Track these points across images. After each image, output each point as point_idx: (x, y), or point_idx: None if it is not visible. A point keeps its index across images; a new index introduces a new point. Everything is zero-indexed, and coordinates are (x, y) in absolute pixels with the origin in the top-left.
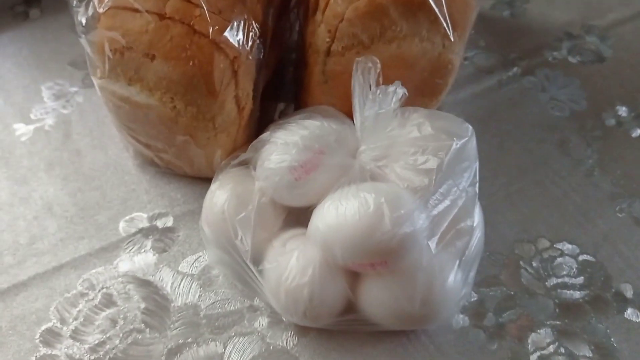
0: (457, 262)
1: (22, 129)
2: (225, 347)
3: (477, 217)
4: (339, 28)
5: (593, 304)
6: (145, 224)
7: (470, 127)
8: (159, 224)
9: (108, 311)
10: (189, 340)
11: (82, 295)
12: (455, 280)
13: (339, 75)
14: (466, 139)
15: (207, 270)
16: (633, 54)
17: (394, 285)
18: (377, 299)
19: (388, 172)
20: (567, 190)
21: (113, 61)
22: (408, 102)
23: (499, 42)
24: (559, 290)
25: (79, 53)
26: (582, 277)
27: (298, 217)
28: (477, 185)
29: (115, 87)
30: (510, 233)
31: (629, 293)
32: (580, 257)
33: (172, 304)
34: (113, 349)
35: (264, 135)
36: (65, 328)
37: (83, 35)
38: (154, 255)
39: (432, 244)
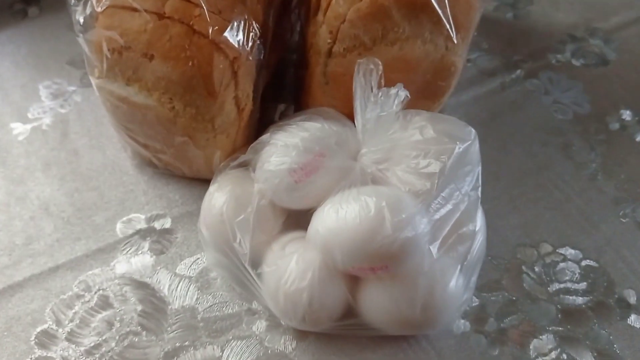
0: (459, 267)
1: (19, 128)
2: (222, 351)
3: (479, 222)
4: (341, 29)
5: (596, 309)
6: (142, 225)
7: (473, 130)
8: (157, 225)
9: (104, 313)
10: (186, 343)
11: (78, 296)
12: (456, 285)
13: (340, 77)
14: (469, 142)
15: (205, 273)
16: (637, 57)
17: (394, 289)
18: (377, 303)
19: (389, 176)
20: (570, 194)
21: (111, 61)
22: (410, 105)
23: (502, 44)
24: (561, 296)
25: (78, 52)
26: (584, 283)
27: (298, 220)
28: (480, 189)
29: (113, 87)
30: (513, 237)
31: (632, 299)
32: (583, 263)
33: (169, 307)
34: (109, 351)
35: (264, 137)
36: (60, 330)
37: (81, 34)
38: (151, 257)
39: (434, 249)
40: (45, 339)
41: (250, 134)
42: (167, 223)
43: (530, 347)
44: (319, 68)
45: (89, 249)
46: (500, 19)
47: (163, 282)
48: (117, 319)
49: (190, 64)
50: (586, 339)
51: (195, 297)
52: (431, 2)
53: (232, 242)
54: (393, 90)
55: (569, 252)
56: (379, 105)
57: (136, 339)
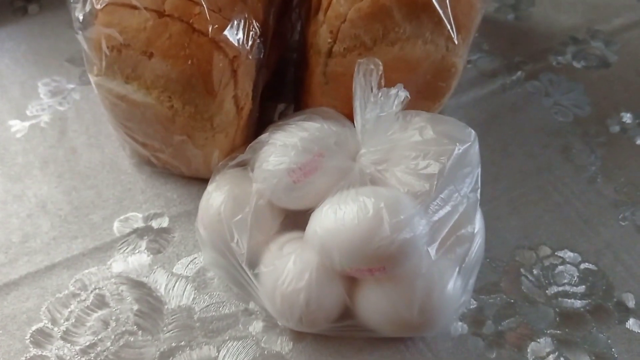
0: (457, 269)
1: (17, 126)
2: (219, 351)
3: (478, 224)
4: (341, 29)
5: (594, 313)
6: (140, 224)
7: (473, 131)
8: (154, 224)
9: (100, 312)
10: (182, 343)
11: (74, 295)
12: (454, 288)
13: (340, 77)
14: (469, 144)
15: (202, 273)
16: (638, 60)
17: (392, 291)
18: (374, 305)
19: (388, 176)
20: (569, 197)
21: (110, 58)
22: (410, 105)
23: (503, 45)
24: (559, 299)
25: (77, 49)
26: (583, 286)
27: (296, 220)
28: (479, 191)
29: (112, 85)
30: (511, 239)
31: (630, 303)
32: (582, 266)
33: (166, 306)
34: (104, 351)
35: (263, 137)
36: (56, 329)
37: (80, 32)
38: (148, 256)
39: (432, 251)
40: (41, 338)
41: (249, 134)
42: (164, 222)
43: (528, 351)
44: (319, 68)
45: (86, 247)
46: (502, 20)
47: (160, 281)
48: (113, 318)
49: (189, 62)
50: (584, 343)
51: (192, 297)
52: (432, 2)
53: (230, 242)
54: (393, 91)
55: (568, 255)
56: (378, 106)
57: (132, 339)
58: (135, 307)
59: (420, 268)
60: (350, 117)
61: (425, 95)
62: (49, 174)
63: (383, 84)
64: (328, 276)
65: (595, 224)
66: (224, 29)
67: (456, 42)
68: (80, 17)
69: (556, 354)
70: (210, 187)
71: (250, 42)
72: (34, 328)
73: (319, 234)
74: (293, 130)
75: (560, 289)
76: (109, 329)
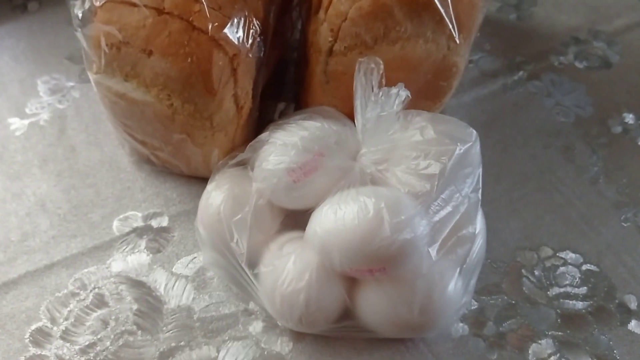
0: (458, 270)
1: (16, 124)
2: (218, 352)
3: (479, 224)
4: (342, 28)
5: (596, 315)
6: (139, 223)
7: (474, 131)
8: (154, 223)
9: (99, 312)
10: (182, 343)
11: (74, 295)
12: (455, 288)
13: (340, 76)
14: (470, 144)
15: (202, 272)
16: None
17: (392, 292)
18: (375, 306)
19: (389, 176)
20: (571, 197)
21: (109, 56)
22: (411, 105)
23: (505, 45)
24: (561, 300)
25: (77, 47)
26: (585, 287)
27: (296, 220)
28: (480, 191)
29: (111, 83)
30: (513, 240)
31: (633, 304)
32: (584, 267)
33: (165, 306)
34: (104, 350)
35: (263, 136)
36: (55, 328)
37: (79, 29)
38: (147, 255)
39: (433, 251)
40: (40, 337)
41: (249, 132)
42: (164, 221)
43: (529, 352)
44: (320, 66)
45: (85, 246)
46: (504, 20)
47: (159, 281)
48: (113, 317)
49: (189, 60)
50: (586, 344)
51: (192, 296)
52: (434, 1)
53: (229, 242)
54: (394, 90)
55: (570, 256)
56: (379, 105)
57: (131, 339)
58: (135, 306)
59: (421, 269)
60: (350, 116)
61: (426, 94)
62: (48, 172)
63: (384, 83)
64: (328, 276)
65: (597, 225)
66: (223, 27)
67: (457, 42)
68: (80, 15)
69: (557, 355)
70: (209, 186)
71: (250, 41)
72: (33, 327)
73: (319, 234)
74: (293, 130)
75: (562, 290)
76: (109, 329)
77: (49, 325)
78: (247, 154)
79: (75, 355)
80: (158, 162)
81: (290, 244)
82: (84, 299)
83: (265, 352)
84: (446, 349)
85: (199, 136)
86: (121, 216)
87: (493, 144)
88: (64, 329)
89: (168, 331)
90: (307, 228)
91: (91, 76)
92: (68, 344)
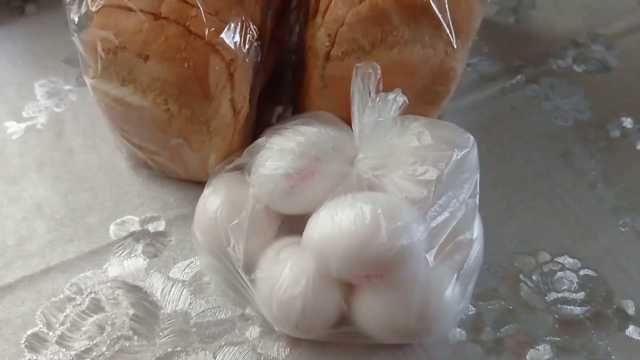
0: (455, 275)
1: (13, 127)
2: (215, 357)
3: (476, 230)
4: (339, 32)
5: (594, 320)
6: (136, 227)
7: (471, 137)
8: (151, 227)
9: (96, 317)
10: (178, 349)
11: (70, 299)
12: (452, 294)
13: (338, 81)
14: (467, 149)
15: (199, 277)
16: (639, 64)
17: (389, 298)
18: (372, 311)
19: (386, 182)
20: (569, 202)
21: (106, 61)
22: (409, 109)
23: (503, 49)
24: (559, 306)
25: (75, 50)
26: (583, 293)
27: (293, 225)
28: (478, 196)
29: (108, 88)
30: (510, 245)
31: (630, 310)
32: (582, 272)
33: (162, 311)
34: (99, 356)
35: (260, 141)
36: (51, 333)
37: (75, 34)
38: (144, 260)
39: (430, 257)
40: (36, 342)
41: (247, 137)
42: (161, 226)
43: (527, 358)
44: (317, 71)
45: (82, 251)
46: (502, 23)
47: (156, 285)
48: (109, 322)
49: (185, 65)
50: (583, 350)
51: (188, 301)
52: (431, 6)
53: (226, 247)
54: (391, 96)
55: (567, 261)
56: (376, 111)
57: (127, 344)
58: (131, 311)
59: (418, 275)
60: (348, 121)
61: (424, 99)
62: (45, 176)
63: (381, 88)
64: (325, 282)
65: (595, 229)
66: (220, 32)
67: (455, 47)
68: (76, 19)
69: None
70: (206, 191)
71: (247, 45)
72: (29, 332)
73: (316, 239)
74: (290, 135)
75: (560, 295)
76: (105, 334)
77: (45, 330)
78: (244, 158)
79: None
80: (155, 166)
81: (287, 250)
82: (80, 304)
83: (262, 358)
84: (444, 354)
85: (196, 141)
86: (118, 220)
87: (491, 148)
88: (60, 334)
89: (164, 336)
90: (304, 234)
91: (88, 81)
92: (64, 349)
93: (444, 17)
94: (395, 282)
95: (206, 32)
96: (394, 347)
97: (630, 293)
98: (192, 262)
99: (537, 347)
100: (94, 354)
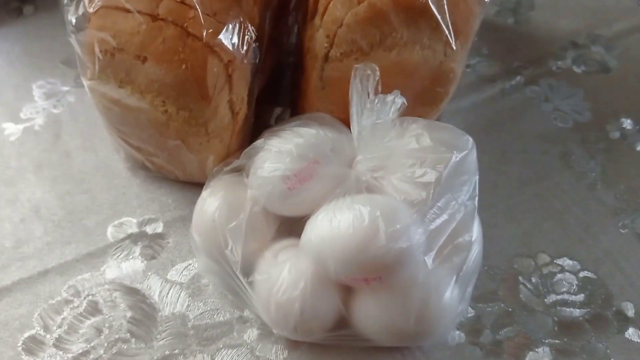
0: (454, 278)
1: (11, 129)
2: None
3: (475, 232)
4: (338, 34)
5: (593, 322)
6: (134, 229)
7: (470, 139)
8: (149, 229)
9: (93, 319)
10: (176, 351)
11: (67, 302)
12: (451, 297)
13: (336, 82)
14: (466, 151)
15: (197, 279)
16: (639, 65)
17: (388, 301)
18: (370, 314)
19: (385, 184)
20: (568, 204)
21: (103, 62)
22: (408, 111)
23: (503, 50)
24: (558, 308)
25: (72, 51)
26: (582, 295)
27: (291, 227)
28: (477, 199)
29: (105, 89)
30: (510, 247)
31: (630, 312)
32: (581, 274)
33: (160, 314)
34: (97, 359)
35: (258, 142)
36: (48, 336)
37: (73, 35)
38: (142, 262)
39: (429, 260)
40: (33, 345)
41: (245, 139)
42: (159, 227)
43: None
44: (316, 72)
45: (79, 253)
46: (501, 24)
47: (154, 288)
48: (106, 325)
49: (183, 66)
50: (583, 352)
51: (186, 304)
52: (430, 7)
53: (224, 249)
54: (390, 97)
55: (567, 263)
56: (375, 113)
57: (125, 347)
58: (129, 314)
59: (417, 277)
60: (347, 122)
61: (423, 100)
62: (43, 178)
63: (380, 89)
64: (323, 285)
65: (595, 231)
66: (218, 33)
67: (454, 48)
68: (73, 21)
69: None
70: (204, 193)
71: (245, 47)
72: (26, 335)
73: (314, 242)
74: (288, 137)
75: (559, 297)
76: (102, 337)
77: (42, 333)
78: (242, 160)
79: None
80: (153, 167)
81: (285, 252)
82: (77, 307)
83: None
84: (442, 357)
85: (194, 142)
86: (116, 222)
87: (490, 149)
88: (57, 336)
89: (162, 339)
90: (302, 236)
91: (85, 82)
92: (61, 352)
93: (443, 18)
94: (394, 285)
95: (204, 34)
96: (393, 350)
97: (629, 295)
98: (190, 264)
99: (537, 349)
100: (92, 356)
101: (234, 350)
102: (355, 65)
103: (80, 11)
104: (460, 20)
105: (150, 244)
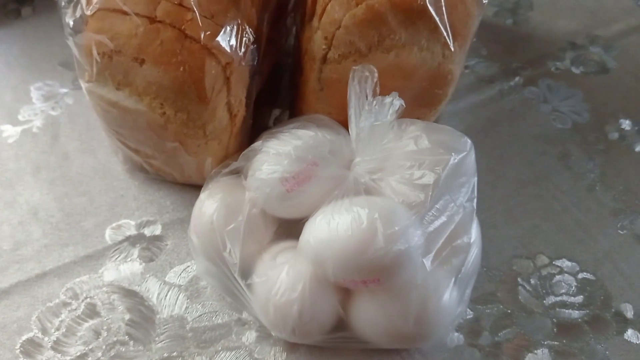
0: (453, 280)
1: (9, 131)
2: None
3: (474, 233)
4: (336, 35)
5: (592, 324)
6: (132, 231)
7: (469, 141)
8: (147, 232)
9: (91, 322)
10: (174, 354)
11: (65, 304)
12: (450, 299)
13: (335, 84)
14: (464, 153)
15: (195, 281)
16: (638, 66)
17: (387, 303)
18: (369, 317)
19: (383, 186)
20: (567, 205)
21: (101, 65)
22: (406, 112)
23: (501, 50)
24: (557, 309)
25: (71, 53)
26: (581, 296)
27: (289, 229)
28: (475, 200)
29: (103, 92)
30: (509, 248)
31: (629, 313)
32: (580, 275)
33: (158, 316)
34: None
35: (256, 144)
36: (46, 338)
37: (71, 38)
38: (140, 264)
39: (427, 262)
40: (31, 348)
41: (243, 141)
42: (157, 230)
43: None
44: (314, 74)
45: (77, 255)
46: (500, 24)
47: (152, 290)
48: (104, 327)
49: (181, 69)
50: (582, 354)
51: (185, 306)
52: (428, 9)
53: (222, 251)
54: (388, 99)
55: (566, 264)
56: (373, 114)
57: (123, 349)
58: (127, 316)
59: (416, 279)
60: (345, 123)
61: (421, 102)
62: (41, 180)
63: (378, 91)
64: (322, 287)
65: (594, 232)
66: (216, 35)
67: (452, 49)
68: (71, 23)
69: None
70: (203, 195)
71: (243, 49)
72: (24, 338)
73: (312, 244)
74: (286, 139)
75: (558, 299)
76: (100, 339)
77: (40, 335)
78: (240, 162)
79: None
80: (151, 170)
81: (284, 254)
82: (75, 309)
83: None
84: (442, 359)
85: (192, 145)
86: (114, 224)
87: (489, 150)
88: (55, 339)
89: (160, 341)
90: (300, 238)
91: (83, 85)
92: (59, 355)
93: (441, 19)
94: (393, 287)
95: (202, 36)
96: (391, 352)
97: (628, 296)
98: (188, 266)
99: (535, 351)
100: (90, 359)
101: (233, 353)
102: (354, 67)
103: (78, 13)
104: (458, 22)
105: (149, 246)
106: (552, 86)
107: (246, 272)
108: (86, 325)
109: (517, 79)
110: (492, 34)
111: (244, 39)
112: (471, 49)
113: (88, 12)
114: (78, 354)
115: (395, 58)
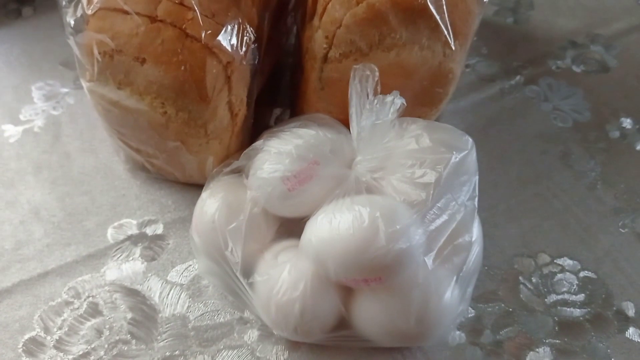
0: (455, 278)
1: (10, 130)
2: None
3: (475, 232)
4: (337, 34)
5: (593, 322)
6: (134, 231)
7: (470, 139)
8: (149, 231)
9: (93, 321)
10: (176, 352)
11: (67, 303)
12: (452, 297)
13: (336, 83)
14: (466, 152)
15: (197, 280)
16: (638, 65)
17: (388, 302)
18: (370, 315)
19: (384, 185)
20: (568, 203)
21: (102, 64)
22: (407, 111)
23: (502, 49)
24: (558, 308)
25: (72, 53)
26: (582, 294)
27: (291, 228)
28: (477, 199)
29: (104, 91)
30: (510, 247)
31: (630, 312)
32: (581, 274)
33: (160, 315)
34: None
35: (257, 143)
36: (49, 338)
37: (71, 37)
38: (142, 263)
39: (429, 260)
40: (33, 347)
41: (244, 140)
42: (159, 229)
43: None
44: (315, 73)
45: (79, 254)
46: (501, 23)
47: (154, 289)
48: (107, 326)
49: (182, 68)
50: (583, 352)
51: (187, 305)
52: (429, 7)
53: (224, 250)
54: (389, 98)
55: (567, 262)
56: (374, 113)
57: (125, 348)
58: (129, 315)
59: (417, 278)
60: (346, 122)
61: (422, 101)
62: (43, 179)
63: (379, 90)
64: (323, 286)
65: (595, 231)
66: (217, 35)
67: (453, 48)
68: (72, 22)
69: None
70: (204, 194)
71: (244, 48)
72: (26, 337)
73: (314, 243)
74: (288, 138)
75: (560, 297)
76: (103, 338)
77: (42, 334)
78: (241, 161)
79: None
80: (153, 169)
81: (285, 253)
82: (77, 308)
83: None
84: (443, 357)
85: (193, 144)
86: (116, 224)
87: (490, 149)
88: (57, 338)
89: (163, 340)
90: (302, 237)
91: (84, 84)
92: (62, 354)
93: (442, 18)
94: (394, 286)
95: (203, 35)
96: (393, 351)
97: (630, 295)
98: (190, 265)
99: (537, 349)
100: (92, 358)
101: (235, 352)
102: (354, 66)
103: (79, 13)
104: (459, 21)
105: (150, 246)
106: (553, 85)
107: (248, 271)
108: (88, 324)
109: (517, 77)
110: (492, 33)
111: (245, 38)
112: (472, 48)
113: (89, 12)
114: (80, 352)
115: (396, 57)
